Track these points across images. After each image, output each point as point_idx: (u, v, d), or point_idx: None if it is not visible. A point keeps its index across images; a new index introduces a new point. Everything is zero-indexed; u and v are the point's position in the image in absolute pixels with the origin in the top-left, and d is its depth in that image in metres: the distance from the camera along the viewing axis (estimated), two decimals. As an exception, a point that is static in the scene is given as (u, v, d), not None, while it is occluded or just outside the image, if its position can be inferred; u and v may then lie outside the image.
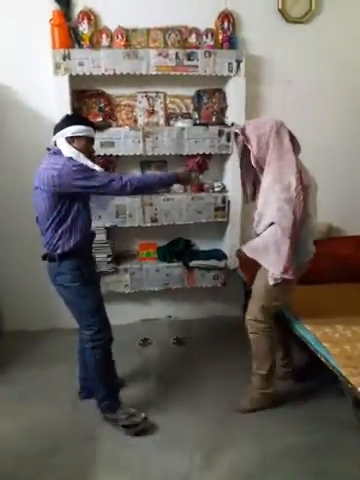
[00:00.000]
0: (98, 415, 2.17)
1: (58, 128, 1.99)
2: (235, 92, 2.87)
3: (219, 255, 3.12)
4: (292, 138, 2.00)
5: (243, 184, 2.23)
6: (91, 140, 2.04)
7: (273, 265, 1.97)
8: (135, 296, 3.12)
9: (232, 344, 2.78)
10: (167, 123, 2.95)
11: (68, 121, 1.99)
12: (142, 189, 2.07)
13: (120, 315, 3.09)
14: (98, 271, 2.34)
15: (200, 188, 3.05)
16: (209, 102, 2.99)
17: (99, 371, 2.05)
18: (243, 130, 2.02)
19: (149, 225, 2.93)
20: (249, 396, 2.21)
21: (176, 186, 2.95)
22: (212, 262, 3.05)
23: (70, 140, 1.95)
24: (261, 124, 2.01)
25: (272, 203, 1.93)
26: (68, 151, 1.93)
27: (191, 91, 2.96)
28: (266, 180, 1.98)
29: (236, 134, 2.10)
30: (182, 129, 2.84)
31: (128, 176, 1.97)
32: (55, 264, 1.97)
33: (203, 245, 3.24)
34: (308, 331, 2.16)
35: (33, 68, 2.75)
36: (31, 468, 1.89)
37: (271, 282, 2.00)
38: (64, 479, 1.83)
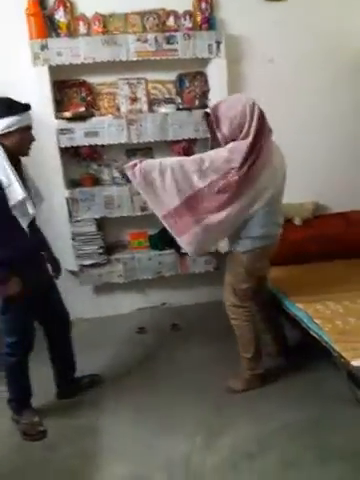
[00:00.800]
0: (97, 405, 2.20)
1: None
2: (216, 74, 2.84)
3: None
4: (263, 119, 1.92)
5: None
6: (27, 129, 1.81)
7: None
8: (129, 286, 3.12)
9: (228, 328, 2.75)
10: (150, 109, 2.92)
11: None
12: None
13: (115, 305, 3.12)
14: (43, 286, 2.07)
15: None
16: (191, 86, 2.96)
17: (10, 376, 2.04)
18: (214, 110, 1.92)
19: (139, 214, 2.92)
20: (240, 377, 2.24)
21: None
22: (203, 247, 3.05)
23: (3, 138, 1.75)
24: (233, 104, 1.91)
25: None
26: None
27: (172, 75, 2.93)
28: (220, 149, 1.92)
29: (207, 114, 1.99)
30: (166, 115, 2.81)
31: None
32: None
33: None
34: (299, 309, 2.19)
35: (11, 60, 2.70)
36: (33, 460, 1.91)
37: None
38: (67, 470, 1.84)
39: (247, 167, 1.85)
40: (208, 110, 1.97)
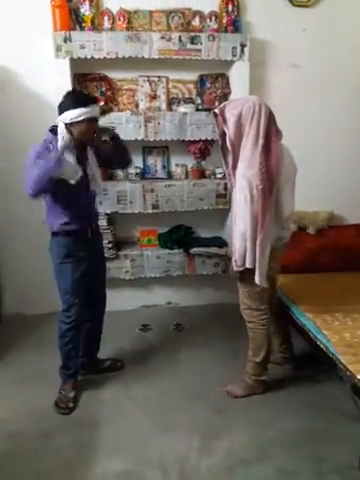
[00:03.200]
0: (97, 398, 2.21)
1: (59, 110, 1.96)
2: (239, 77, 2.84)
3: (220, 242, 3.11)
4: (272, 121, 1.89)
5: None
6: (92, 120, 1.97)
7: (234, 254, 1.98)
8: (136, 282, 3.12)
9: (231, 331, 2.79)
10: (169, 108, 2.93)
11: (67, 104, 1.94)
12: (40, 183, 1.85)
13: (120, 301, 3.12)
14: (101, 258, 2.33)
15: (202, 174, 3.03)
16: (212, 87, 2.96)
17: (61, 343, 2.20)
18: (222, 110, 1.91)
19: (150, 212, 2.92)
20: (243, 382, 2.23)
21: (179, 170, 2.96)
22: (213, 249, 3.05)
23: (69, 126, 1.93)
24: (239, 104, 1.89)
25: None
26: (60, 137, 1.91)
27: (194, 76, 2.93)
28: (239, 167, 1.90)
29: (216, 115, 1.96)
30: (184, 114, 2.81)
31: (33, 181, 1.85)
32: (50, 240, 2.11)
33: (204, 232, 3.23)
34: (308, 319, 2.17)
35: (34, 51, 2.72)
36: (30, 449, 1.91)
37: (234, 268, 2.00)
38: (64, 461, 1.84)
39: (264, 170, 1.84)
40: (216, 110, 1.94)
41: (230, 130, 1.88)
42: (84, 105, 1.91)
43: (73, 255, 2.08)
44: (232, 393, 2.23)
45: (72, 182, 1.97)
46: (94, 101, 1.99)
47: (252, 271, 1.93)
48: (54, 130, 1.97)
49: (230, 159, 1.96)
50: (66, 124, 1.92)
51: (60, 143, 1.91)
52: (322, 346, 2.00)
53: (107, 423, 2.07)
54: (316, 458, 1.83)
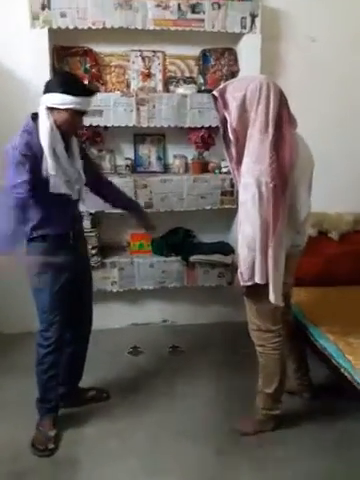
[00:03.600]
0: (79, 435, 2.21)
1: (44, 90, 1.93)
2: (249, 52, 2.84)
3: (225, 249, 3.10)
4: (284, 105, 1.86)
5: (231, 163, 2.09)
6: (79, 113, 1.97)
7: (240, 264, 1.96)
8: (124, 296, 3.12)
9: (238, 355, 2.78)
10: (166, 89, 2.92)
11: (54, 84, 1.92)
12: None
13: (106, 318, 3.10)
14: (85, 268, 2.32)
15: (204, 168, 3.03)
16: (217, 64, 2.96)
17: (38, 371, 2.17)
18: (222, 92, 1.87)
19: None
20: (252, 417, 2.21)
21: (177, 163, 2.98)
22: (217, 257, 3.04)
23: (50, 111, 1.91)
24: (244, 84, 1.85)
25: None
26: (43, 124, 1.90)
27: (195, 51, 2.93)
28: (245, 162, 1.86)
29: (215, 97, 1.92)
30: (184, 96, 2.81)
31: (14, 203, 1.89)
32: (26, 246, 2.08)
33: (206, 237, 3.23)
34: (329, 341, 2.17)
35: (5, 20, 2.72)
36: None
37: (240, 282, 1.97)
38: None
39: (276, 164, 1.82)
40: (215, 92, 1.90)
41: (232, 116, 1.86)
42: (75, 93, 1.88)
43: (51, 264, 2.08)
44: (238, 430, 2.21)
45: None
46: (91, 93, 1.98)
47: (261, 286, 1.91)
48: (36, 117, 1.95)
49: (234, 151, 1.93)
50: (48, 107, 1.90)
51: (45, 138, 1.89)
52: (346, 374, 1.99)
53: (89, 464, 2.06)
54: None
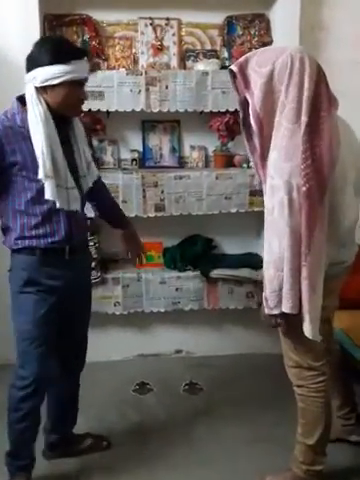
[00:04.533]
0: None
1: (27, 64, 1.88)
2: (285, 20, 2.86)
3: (254, 262, 3.07)
4: (323, 84, 1.80)
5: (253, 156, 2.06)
6: (78, 84, 1.92)
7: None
8: (130, 320, 3.13)
9: (270, 394, 2.77)
10: (182, 65, 2.94)
11: (38, 56, 1.86)
12: None
13: (107, 348, 3.11)
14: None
15: (228, 162, 3.03)
16: (245, 34, 2.98)
17: (11, 419, 2.10)
18: (242, 67, 1.82)
19: (152, 216, 2.92)
20: (290, 473, 2.17)
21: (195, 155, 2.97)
22: (244, 272, 3.04)
23: (40, 92, 1.87)
24: (270, 57, 1.79)
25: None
26: (33, 111, 1.86)
27: (218, 18, 2.96)
28: (272, 157, 1.82)
29: (233, 73, 1.88)
30: (204, 74, 2.82)
31: None
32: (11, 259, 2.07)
33: (231, 247, 3.25)
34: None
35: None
36: None
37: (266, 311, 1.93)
38: None
39: (311, 161, 1.79)
40: (234, 67, 1.85)
41: (255, 98, 1.81)
42: (67, 60, 1.84)
43: (37, 282, 2.03)
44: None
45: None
46: (82, 54, 1.92)
47: (295, 315, 1.88)
48: (23, 99, 1.92)
49: (257, 143, 1.89)
50: (37, 88, 1.87)
51: (38, 129, 1.85)
52: None
53: None
54: None
